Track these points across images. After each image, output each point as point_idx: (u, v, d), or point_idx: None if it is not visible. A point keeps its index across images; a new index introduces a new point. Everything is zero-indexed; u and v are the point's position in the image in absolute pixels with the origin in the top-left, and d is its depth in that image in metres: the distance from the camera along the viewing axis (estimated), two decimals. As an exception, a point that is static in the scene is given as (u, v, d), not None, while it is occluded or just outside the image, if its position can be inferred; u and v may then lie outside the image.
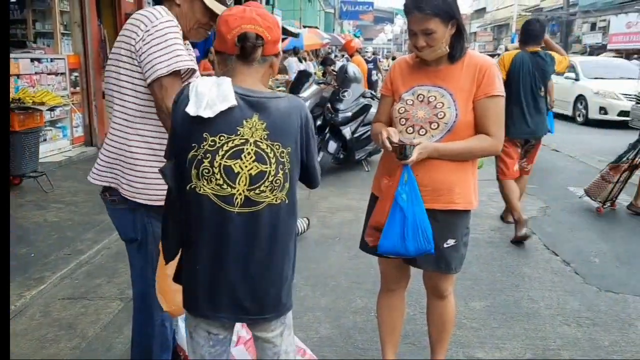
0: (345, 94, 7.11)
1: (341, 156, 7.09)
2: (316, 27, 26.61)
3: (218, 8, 2.02)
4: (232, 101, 1.54)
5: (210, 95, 1.54)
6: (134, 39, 1.91)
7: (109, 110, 2.06)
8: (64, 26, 7.14)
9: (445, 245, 2.21)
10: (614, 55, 14.80)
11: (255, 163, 1.58)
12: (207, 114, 1.52)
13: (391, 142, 2.08)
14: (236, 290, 1.63)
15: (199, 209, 1.60)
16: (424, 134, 2.15)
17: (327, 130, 7.09)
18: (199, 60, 10.35)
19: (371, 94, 7.95)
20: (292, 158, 1.63)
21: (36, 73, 6.57)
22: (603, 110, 12.08)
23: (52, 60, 6.81)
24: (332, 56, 18.13)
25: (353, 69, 7.53)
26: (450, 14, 2.07)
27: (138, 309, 2.23)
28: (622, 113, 11.29)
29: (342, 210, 5.39)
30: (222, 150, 1.56)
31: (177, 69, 1.88)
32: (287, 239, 1.69)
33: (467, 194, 2.22)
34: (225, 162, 1.57)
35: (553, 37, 38.63)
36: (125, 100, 1.98)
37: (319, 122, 7.98)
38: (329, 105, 7.20)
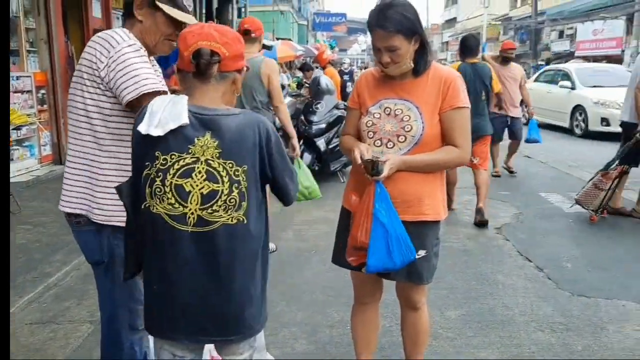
0: (319, 105, 7.13)
1: (316, 168, 7.07)
2: (289, 39, 26.70)
3: (180, 16, 1.99)
4: (183, 120, 1.52)
5: (164, 113, 1.53)
6: (98, 66, 1.87)
7: (71, 129, 2.01)
8: (29, 43, 7.01)
9: (416, 256, 2.21)
10: (581, 62, 15.29)
11: (207, 182, 1.55)
12: (156, 132, 1.52)
13: (362, 159, 2.08)
14: (193, 311, 1.60)
15: (153, 228, 1.58)
16: (391, 147, 2.16)
17: (301, 142, 7.08)
18: (169, 75, 10.31)
19: (344, 105, 7.97)
20: (250, 176, 1.59)
21: (2, 91, 6.42)
22: (605, 121, 11.00)
23: (17, 78, 6.68)
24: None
25: (326, 80, 7.55)
26: (412, 30, 2.08)
27: (106, 332, 2.16)
28: None
29: (318, 223, 5.36)
30: (173, 169, 1.55)
31: (146, 92, 1.84)
32: (251, 259, 1.64)
33: (436, 205, 2.23)
34: (176, 180, 1.55)
35: (522, 45, 39.48)
36: (93, 124, 1.93)
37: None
38: (302, 117, 7.20)
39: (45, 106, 7.16)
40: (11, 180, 6.11)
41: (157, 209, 1.56)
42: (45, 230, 4.85)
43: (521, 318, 3.29)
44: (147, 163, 1.57)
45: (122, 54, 1.85)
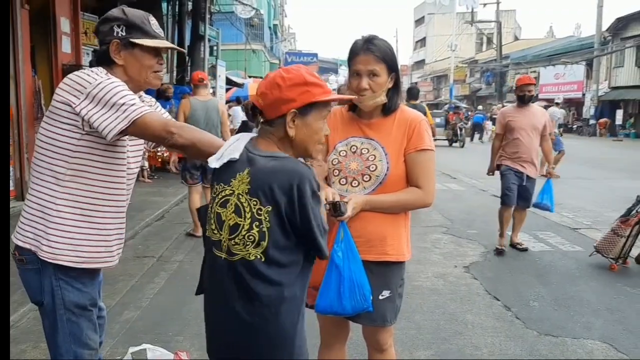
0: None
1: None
2: (261, 78, 26.98)
3: (157, 43, 2.00)
4: (235, 155, 1.65)
5: (229, 148, 1.69)
6: (74, 102, 1.84)
7: (34, 163, 1.97)
8: (-4, 77, 6.90)
9: (380, 297, 2.19)
10: (545, 104, 15.81)
11: (233, 214, 1.64)
12: (213, 164, 1.68)
13: (326, 201, 2.07)
14: (226, 336, 1.70)
15: (207, 249, 1.75)
16: (356, 186, 2.17)
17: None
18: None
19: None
20: (273, 218, 1.59)
21: (-36, 125, 6.26)
22: None
23: (-19, 111, 6.53)
24: None
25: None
26: (392, 66, 2.16)
27: None
28: None
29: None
30: (218, 198, 1.70)
31: (136, 118, 1.82)
32: (273, 300, 1.62)
33: (399, 246, 2.23)
34: (217, 209, 1.69)
35: (488, 87, 40.74)
36: (55, 159, 1.89)
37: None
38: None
39: (9, 141, 7.00)
40: (-31, 216, 5.89)
41: (208, 232, 1.74)
42: (2, 268, 4.67)
43: (490, 358, 3.27)
44: (214, 190, 1.75)
45: (102, 87, 1.83)
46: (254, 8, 20.09)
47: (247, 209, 1.60)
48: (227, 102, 13.52)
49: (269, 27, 37.26)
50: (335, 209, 2.02)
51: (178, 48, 2.14)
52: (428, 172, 2.21)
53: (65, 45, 7.94)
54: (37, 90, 7.32)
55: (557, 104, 18.88)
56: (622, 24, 25.41)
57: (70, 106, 1.84)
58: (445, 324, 3.80)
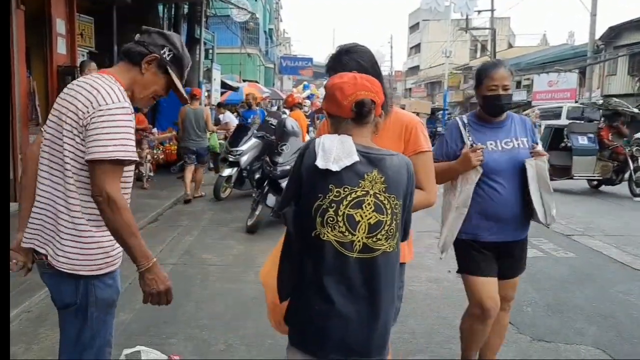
0: (284, 147, 7.14)
1: (281, 209, 7.05)
2: (256, 81, 27.00)
3: (179, 85, 2.11)
4: (356, 157, 1.74)
5: (336, 151, 1.74)
6: (83, 113, 1.85)
7: (43, 173, 1.97)
8: (-10, 77, 6.87)
9: None
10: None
11: (375, 213, 1.75)
12: (334, 167, 1.72)
13: None
14: (348, 331, 1.74)
15: (321, 253, 1.75)
16: None
17: (265, 183, 7.07)
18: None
19: (309, 147, 8.04)
20: (401, 210, 1.81)
21: (-43, 125, 6.22)
22: None
23: (-25, 112, 6.50)
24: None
25: (291, 122, 7.61)
26: None
27: None
28: None
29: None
30: (346, 201, 1.73)
31: (121, 158, 1.84)
32: (395, 285, 1.84)
33: (401, 247, 2.23)
34: (348, 211, 1.73)
35: (482, 93, 40.67)
36: (67, 170, 1.90)
37: (257, 176, 7.95)
38: (267, 158, 7.21)
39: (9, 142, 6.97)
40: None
41: (327, 236, 1.74)
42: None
43: (483, 363, 3.27)
44: (319, 194, 1.74)
45: (113, 113, 1.85)
46: (249, 12, 20.11)
47: (388, 206, 1.77)
48: (220, 105, 13.50)
49: (265, 32, 37.30)
50: None
51: (184, 96, 2.20)
52: (429, 173, 2.25)
53: (61, 47, 7.91)
54: (32, 91, 7.29)
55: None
56: (615, 32, 25.61)
57: (81, 118, 1.86)
58: (439, 328, 3.81)
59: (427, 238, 6.26)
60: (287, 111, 10.60)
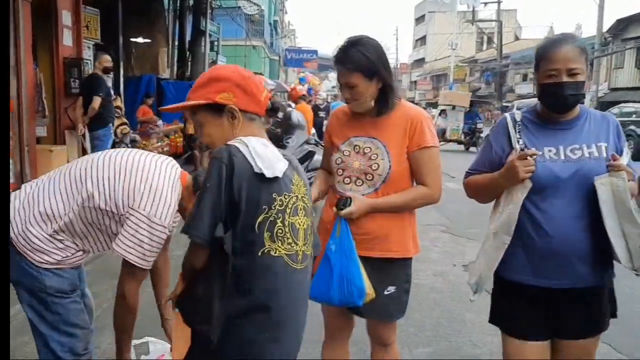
0: (289, 140, 7.16)
1: (286, 202, 7.07)
2: (261, 74, 26.96)
3: None
4: (285, 160, 1.60)
5: (268, 155, 1.56)
6: (115, 199, 1.99)
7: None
8: (-3, 69, 6.90)
9: (385, 293, 2.22)
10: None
11: (305, 217, 1.65)
12: (275, 173, 1.53)
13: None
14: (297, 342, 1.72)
15: (273, 271, 1.56)
16: (360, 185, 2.20)
17: (271, 176, 7.08)
18: (138, 106, 10.25)
19: (315, 140, 8.03)
20: None
21: (-36, 117, 6.26)
22: None
23: (-18, 104, 6.54)
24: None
25: (297, 115, 7.62)
26: (372, 70, 2.13)
27: None
28: None
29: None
30: (289, 209, 1.58)
31: (136, 265, 1.99)
32: None
33: (404, 242, 2.25)
34: (291, 219, 1.59)
35: (488, 86, 40.77)
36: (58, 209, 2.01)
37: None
38: (272, 151, 7.22)
39: (10, 133, 7.00)
40: (-31, 208, 5.89)
41: (278, 251, 1.56)
42: None
43: (488, 357, 3.29)
44: (264, 207, 1.53)
45: (148, 221, 1.95)
46: (254, 3, 20.05)
47: (309, 208, 1.69)
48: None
49: (270, 24, 37.20)
50: (342, 203, 2.10)
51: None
52: (433, 169, 2.22)
53: (67, 39, 7.92)
54: (39, 83, 7.32)
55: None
56: (622, 25, 25.44)
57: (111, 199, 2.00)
58: (444, 322, 3.82)
59: (432, 231, 6.27)
60: (293, 104, 10.59)
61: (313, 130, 10.19)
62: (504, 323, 2.08)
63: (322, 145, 7.88)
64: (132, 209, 1.92)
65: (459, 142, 19.02)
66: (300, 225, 1.62)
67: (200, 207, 1.50)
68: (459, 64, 45.70)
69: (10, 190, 6.16)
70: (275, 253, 1.55)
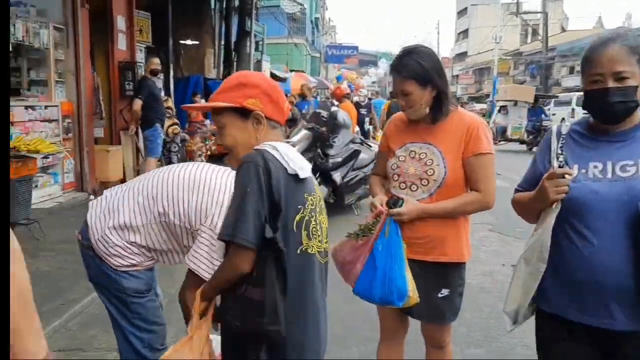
0: (335, 139, 7.24)
1: (331, 201, 7.16)
2: (302, 71, 27.11)
3: None
4: (308, 163, 1.70)
5: (297, 157, 1.64)
6: (195, 217, 2.05)
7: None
8: (58, 74, 7.25)
9: (439, 296, 2.28)
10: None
11: (325, 216, 1.76)
12: (307, 174, 1.65)
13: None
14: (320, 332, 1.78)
15: (310, 268, 1.66)
16: (415, 190, 2.25)
17: (317, 175, 7.19)
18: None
19: (361, 139, 8.09)
20: None
21: (30, 120, 6.62)
22: None
23: (45, 107, 6.89)
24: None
25: (343, 115, 7.69)
26: (426, 78, 2.18)
27: None
28: None
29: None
30: (318, 207, 1.69)
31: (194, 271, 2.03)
32: None
33: (459, 247, 2.30)
34: (319, 217, 1.69)
35: (533, 79, 39.71)
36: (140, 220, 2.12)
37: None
38: (319, 150, 7.32)
39: (70, 134, 7.36)
40: (34, 206, 6.23)
41: (313, 249, 1.65)
42: (69, 257, 4.92)
43: (541, 358, 3.31)
44: (299, 207, 1.61)
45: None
46: (299, 3, 20.19)
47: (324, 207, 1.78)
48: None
49: (311, 21, 37.31)
50: (393, 202, 2.18)
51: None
52: (487, 175, 2.25)
53: (121, 43, 8.25)
54: (96, 87, 7.65)
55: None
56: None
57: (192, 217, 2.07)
58: (495, 322, 3.84)
59: (481, 230, 6.25)
60: (337, 103, 10.67)
61: (357, 128, 10.24)
62: (549, 356, 1.87)
63: (367, 145, 7.96)
64: (204, 225, 2.01)
65: (522, 142, 17.43)
66: (324, 223, 1.73)
67: (242, 211, 1.53)
68: (503, 57, 44.70)
69: (69, 189, 6.44)
70: (311, 250, 1.64)
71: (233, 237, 1.53)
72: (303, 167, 1.63)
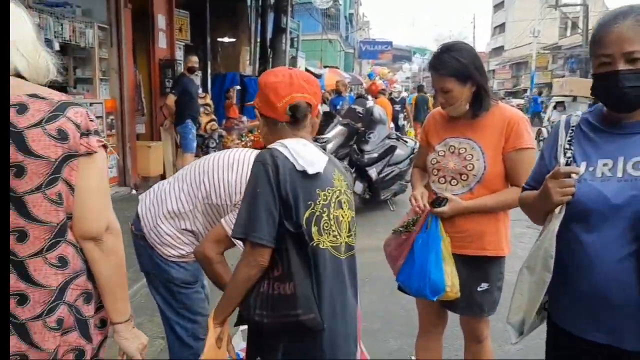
0: (371, 135, 7.27)
1: (367, 196, 7.20)
2: (336, 67, 27.10)
3: None
4: (325, 157, 1.69)
5: (307, 153, 1.64)
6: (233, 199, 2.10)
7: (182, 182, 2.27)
8: (102, 72, 7.49)
9: (478, 289, 2.32)
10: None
11: (349, 210, 1.75)
12: (317, 169, 1.63)
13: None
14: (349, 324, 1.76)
15: (321, 263, 1.63)
16: (455, 185, 2.27)
17: (353, 170, 7.23)
18: (223, 102, 10.64)
19: (397, 135, 8.10)
20: None
21: (76, 117, 6.85)
22: None
23: (90, 104, 7.13)
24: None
25: (379, 110, 7.71)
26: (466, 75, 2.19)
27: None
28: None
29: (370, 251, 5.41)
30: (333, 202, 1.67)
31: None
32: None
33: (498, 241, 2.32)
34: (335, 212, 1.67)
35: (572, 74, 38.73)
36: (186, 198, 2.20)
37: (345, 163, 8.15)
38: (355, 146, 7.36)
39: (113, 131, 7.59)
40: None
41: (325, 244, 1.64)
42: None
43: (580, 355, 3.29)
44: (309, 203, 1.61)
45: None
46: (333, -1, 20.21)
47: (352, 202, 1.79)
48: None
49: (345, 17, 37.23)
50: (437, 202, 2.22)
51: None
52: (528, 171, 2.20)
53: (161, 41, 8.45)
54: (138, 84, 7.86)
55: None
56: None
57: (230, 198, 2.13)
58: (533, 319, 3.82)
59: (518, 227, 6.17)
60: (372, 99, 10.68)
61: (391, 124, 10.24)
62: None
63: (403, 140, 7.96)
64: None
65: None
66: (344, 217, 1.70)
67: (254, 209, 1.57)
68: (541, 51, 43.69)
69: (113, 183, 6.68)
70: (322, 246, 1.63)
71: (247, 235, 1.58)
72: (314, 163, 1.62)
